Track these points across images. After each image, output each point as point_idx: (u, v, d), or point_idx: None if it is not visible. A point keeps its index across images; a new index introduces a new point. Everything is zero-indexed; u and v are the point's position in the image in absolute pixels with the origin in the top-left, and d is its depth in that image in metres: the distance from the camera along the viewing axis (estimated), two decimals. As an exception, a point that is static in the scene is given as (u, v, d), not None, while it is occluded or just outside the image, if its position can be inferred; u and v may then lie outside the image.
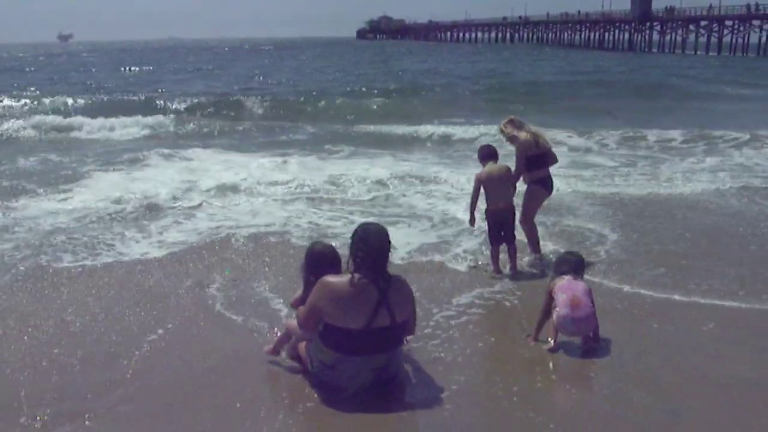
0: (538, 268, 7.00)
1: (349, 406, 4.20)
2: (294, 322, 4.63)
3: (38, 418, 4.12)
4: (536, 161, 7.06)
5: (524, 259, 7.16)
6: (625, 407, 4.20)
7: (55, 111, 21.83)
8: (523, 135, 7.04)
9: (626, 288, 6.35)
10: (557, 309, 4.99)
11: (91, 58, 75.57)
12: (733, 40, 71.76)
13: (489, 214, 6.91)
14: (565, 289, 5.04)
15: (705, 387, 4.44)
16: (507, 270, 6.86)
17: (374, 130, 18.69)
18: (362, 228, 4.45)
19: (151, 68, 51.55)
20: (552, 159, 7.24)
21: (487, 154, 7.06)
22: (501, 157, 7.12)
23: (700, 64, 51.74)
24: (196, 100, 24.59)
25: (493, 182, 6.82)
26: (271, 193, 10.59)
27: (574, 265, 5.25)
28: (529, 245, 7.28)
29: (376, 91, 28.53)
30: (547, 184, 7.21)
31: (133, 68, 51.20)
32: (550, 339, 5.04)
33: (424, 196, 10.37)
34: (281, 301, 5.97)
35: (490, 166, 6.91)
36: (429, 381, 4.54)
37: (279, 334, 5.00)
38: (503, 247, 6.92)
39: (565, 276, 5.14)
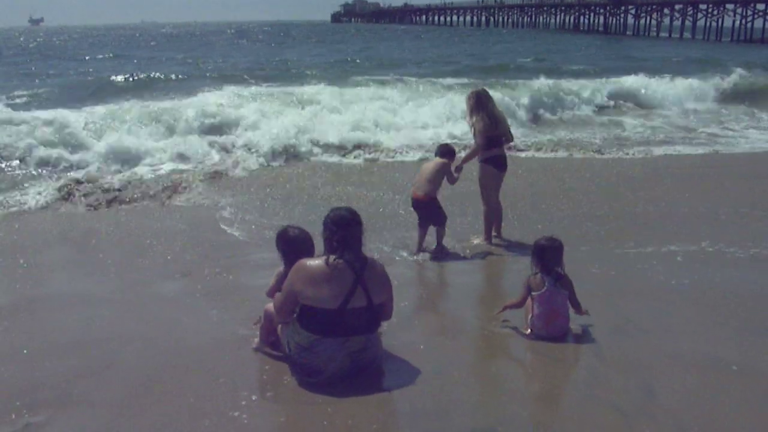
0: (495, 251, 7.09)
1: (327, 390, 4.18)
2: (272, 306, 4.59)
3: (12, 408, 4.04)
4: (490, 140, 7.18)
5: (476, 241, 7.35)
6: (601, 388, 4.23)
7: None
8: (481, 115, 7.14)
9: (598, 269, 6.41)
10: (533, 318, 4.97)
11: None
12: (707, 24, 72.27)
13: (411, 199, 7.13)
14: (544, 301, 4.93)
15: (679, 367, 4.49)
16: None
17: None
18: (334, 212, 4.46)
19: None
20: (508, 138, 7.38)
21: (442, 152, 7.27)
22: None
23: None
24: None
25: (420, 172, 7.07)
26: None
27: (553, 257, 5.02)
28: (485, 226, 7.34)
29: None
30: (498, 163, 7.31)
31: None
32: (528, 327, 5.03)
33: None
34: (259, 285, 5.90)
35: (429, 161, 7.16)
36: (405, 365, 4.53)
37: (260, 325, 4.83)
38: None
39: (545, 281, 4.97)
